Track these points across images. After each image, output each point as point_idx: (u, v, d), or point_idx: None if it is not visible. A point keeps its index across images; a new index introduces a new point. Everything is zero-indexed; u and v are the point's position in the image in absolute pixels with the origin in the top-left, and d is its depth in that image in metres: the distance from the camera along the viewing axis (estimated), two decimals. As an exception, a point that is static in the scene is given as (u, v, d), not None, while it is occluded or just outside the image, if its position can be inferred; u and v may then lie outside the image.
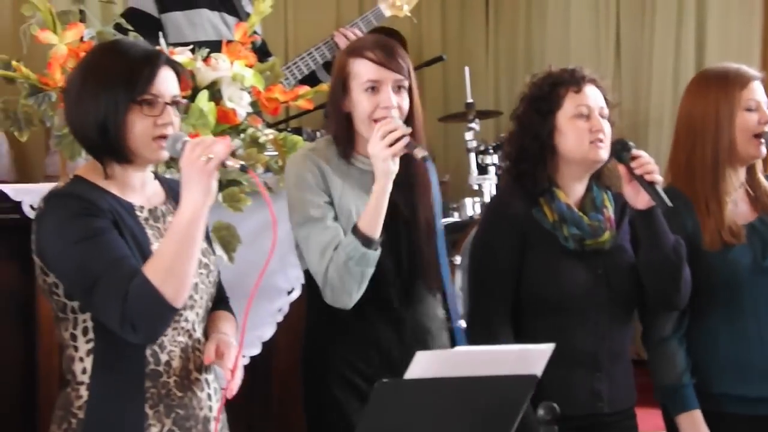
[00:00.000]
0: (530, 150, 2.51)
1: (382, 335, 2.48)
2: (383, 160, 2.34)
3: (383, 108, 2.43)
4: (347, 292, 2.37)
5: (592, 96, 2.50)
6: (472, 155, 4.60)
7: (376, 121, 2.43)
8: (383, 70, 2.45)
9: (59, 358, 2.14)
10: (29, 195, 2.58)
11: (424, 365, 1.71)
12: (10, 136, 3.55)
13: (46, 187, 2.18)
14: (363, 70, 2.45)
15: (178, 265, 1.98)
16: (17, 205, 2.60)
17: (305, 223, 2.43)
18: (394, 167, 2.36)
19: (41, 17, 2.81)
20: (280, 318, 2.95)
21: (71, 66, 2.72)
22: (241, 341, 2.10)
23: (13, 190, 2.64)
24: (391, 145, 2.34)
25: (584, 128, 2.47)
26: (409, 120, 2.46)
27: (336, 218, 2.44)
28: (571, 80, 2.51)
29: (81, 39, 2.82)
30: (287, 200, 2.50)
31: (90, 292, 2.00)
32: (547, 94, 2.51)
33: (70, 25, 2.80)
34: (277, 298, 2.94)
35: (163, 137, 2.08)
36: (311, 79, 3.74)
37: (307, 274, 2.52)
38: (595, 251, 2.50)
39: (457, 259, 4.05)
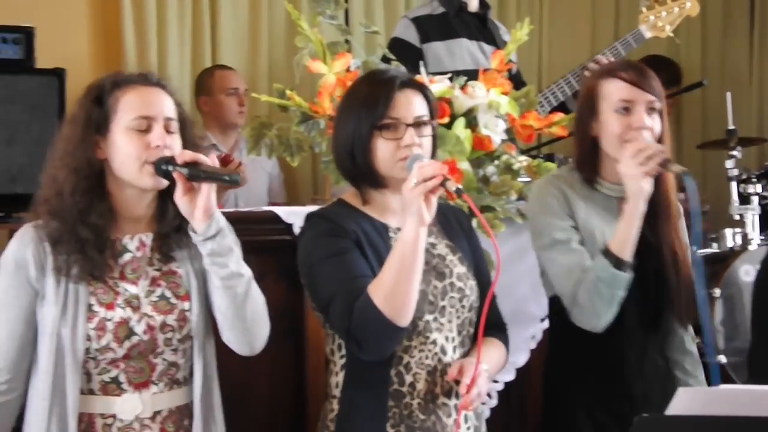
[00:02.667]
0: None
1: (625, 366, 2.42)
2: (636, 180, 2.29)
3: (635, 129, 2.37)
4: (596, 314, 2.33)
5: None
6: (734, 184, 4.40)
7: (626, 142, 2.37)
8: (636, 90, 2.39)
9: (325, 373, 2.25)
10: (299, 217, 2.66)
11: (685, 402, 1.67)
12: (281, 160, 3.78)
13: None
14: (615, 89, 2.40)
15: (396, 285, 2.01)
16: (289, 227, 2.72)
17: (551, 246, 2.41)
18: (648, 187, 2.30)
19: (313, 48, 2.95)
20: (533, 345, 2.94)
21: (338, 94, 2.86)
22: (478, 359, 2.08)
23: (285, 213, 2.77)
24: (644, 163, 2.28)
25: None
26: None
27: (581, 242, 2.41)
28: None
29: (347, 68, 2.95)
30: (531, 226, 2.50)
31: (326, 308, 2.10)
32: None
33: (338, 56, 2.92)
34: (530, 325, 2.95)
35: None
36: (561, 109, 3.72)
37: (552, 302, 2.51)
38: None
39: (716, 292, 3.89)
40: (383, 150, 2.13)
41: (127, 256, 2.09)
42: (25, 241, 2.04)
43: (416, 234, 2.01)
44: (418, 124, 2.15)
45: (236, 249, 2.07)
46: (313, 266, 2.13)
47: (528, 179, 2.98)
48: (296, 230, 2.69)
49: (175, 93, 2.12)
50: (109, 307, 2.04)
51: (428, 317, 2.15)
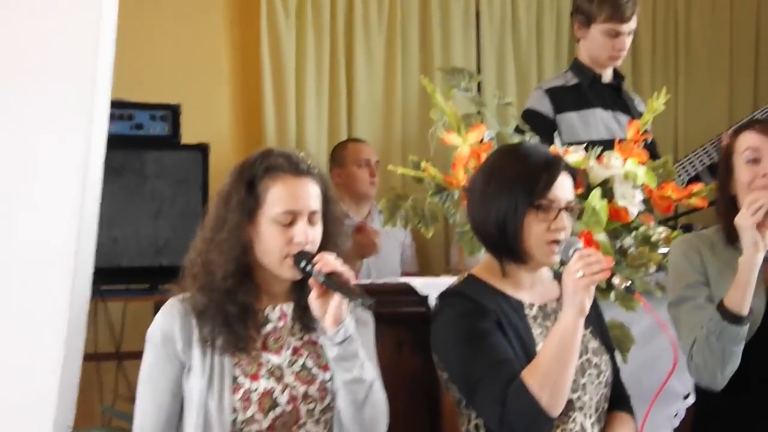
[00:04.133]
0: None
1: None
2: (748, 230, 2.27)
3: (762, 176, 2.37)
4: (710, 371, 2.30)
5: None
6: None
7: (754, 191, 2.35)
8: (764, 138, 2.39)
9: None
10: (435, 289, 2.67)
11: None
12: (414, 230, 3.81)
13: (450, 282, 2.31)
14: (744, 141, 2.42)
15: (554, 372, 2.01)
16: (424, 299, 2.73)
17: (678, 302, 2.40)
18: (761, 239, 2.27)
19: (447, 120, 2.99)
20: (676, 423, 2.87)
21: (472, 166, 2.87)
22: (639, 443, 2.06)
23: (420, 284, 2.79)
24: (754, 213, 2.27)
25: None
26: None
27: (710, 299, 2.37)
28: None
29: (481, 140, 2.96)
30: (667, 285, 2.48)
31: (472, 392, 2.09)
32: None
33: (472, 127, 2.93)
34: (673, 402, 2.87)
35: (556, 242, 2.13)
36: (697, 180, 3.64)
37: None
38: None
39: None
40: (535, 229, 2.14)
41: (269, 327, 2.13)
42: (172, 314, 2.09)
43: (576, 323, 2.03)
44: (568, 207, 2.17)
45: (362, 354, 2.07)
46: (454, 347, 2.13)
47: (667, 250, 2.92)
48: (431, 301, 2.71)
49: (323, 177, 2.15)
50: (254, 378, 2.07)
51: (571, 395, 2.12)
